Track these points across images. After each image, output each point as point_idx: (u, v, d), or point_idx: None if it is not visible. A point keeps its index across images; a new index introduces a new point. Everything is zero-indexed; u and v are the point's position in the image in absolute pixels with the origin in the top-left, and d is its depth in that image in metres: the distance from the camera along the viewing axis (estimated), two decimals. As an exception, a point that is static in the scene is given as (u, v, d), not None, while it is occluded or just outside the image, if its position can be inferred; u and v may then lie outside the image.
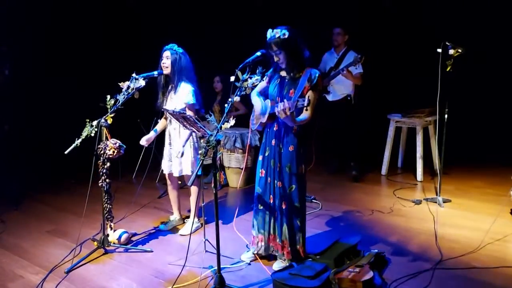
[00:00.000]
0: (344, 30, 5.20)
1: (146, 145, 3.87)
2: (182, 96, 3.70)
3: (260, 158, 3.28)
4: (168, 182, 4.02)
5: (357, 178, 5.41)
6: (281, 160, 3.15)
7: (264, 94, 3.25)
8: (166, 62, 3.70)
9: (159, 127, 3.92)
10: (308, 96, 2.77)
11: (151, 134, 3.86)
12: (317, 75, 3.03)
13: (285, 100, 2.80)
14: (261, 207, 3.28)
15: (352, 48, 5.18)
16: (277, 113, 2.83)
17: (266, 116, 3.13)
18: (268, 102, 3.17)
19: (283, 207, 3.17)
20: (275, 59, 3.09)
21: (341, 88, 5.24)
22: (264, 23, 3.35)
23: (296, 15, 6.38)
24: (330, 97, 5.33)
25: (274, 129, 3.18)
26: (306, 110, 2.91)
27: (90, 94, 3.66)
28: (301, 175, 3.16)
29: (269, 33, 3.01)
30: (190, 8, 7.16)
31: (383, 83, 6.33)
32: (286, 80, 3.11)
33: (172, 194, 4.07)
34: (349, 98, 5.26)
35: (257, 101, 3.22)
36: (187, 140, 3.74)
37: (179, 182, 4.10)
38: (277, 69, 3.19)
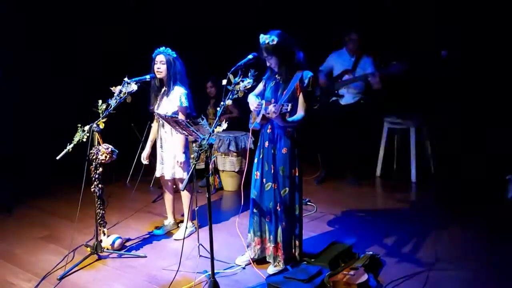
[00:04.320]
0: (360, 35, 5.00)
1: (148, 162, 3.94)
2: (174, 99, 3.68)
3: (256, 160, 3.28)
4: (163, 185, 4.00)
5: (358, 183, 5.30)
6: (275, 163, 3.14)
7: (261, 97, 3.25)
8: (161, 67, 3.64)
9: (152, 135, 3.93)
10: (293, 103, 2.81)
11: (148, 149, 3.90)
12: (309, 76, 3.03)
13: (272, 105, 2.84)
14: (256, 210, 3.27)
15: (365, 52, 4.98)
16: (266, 114, 2.86)
17: (260, 116, 3.13)
18: (263, 102, 3.17)
19: (278, 209, 3.16)
20: (267, 63, 3.10)
21: (355, 91, 5.04)
22: (261, 25, 3.34)
23: (295, 15, 6.36)
24: (343, 101, 5.08)
25: (268, 131, 3.17)
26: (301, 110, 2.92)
27: (81, 99, 3.65)
28: (295, 177, 3.15)
29: (260, 38, 3.00)
30: (185, 10, 7.14)
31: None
32: (280, 83, 3.11)
33: (167, 198, 4.04)
34: (362, 101, 5.04)
35: (251, 98, 3.19)
36: (186, 146, 3.74)
37: (173, 186, 4.08)
38: (273, 72, 3.18)
